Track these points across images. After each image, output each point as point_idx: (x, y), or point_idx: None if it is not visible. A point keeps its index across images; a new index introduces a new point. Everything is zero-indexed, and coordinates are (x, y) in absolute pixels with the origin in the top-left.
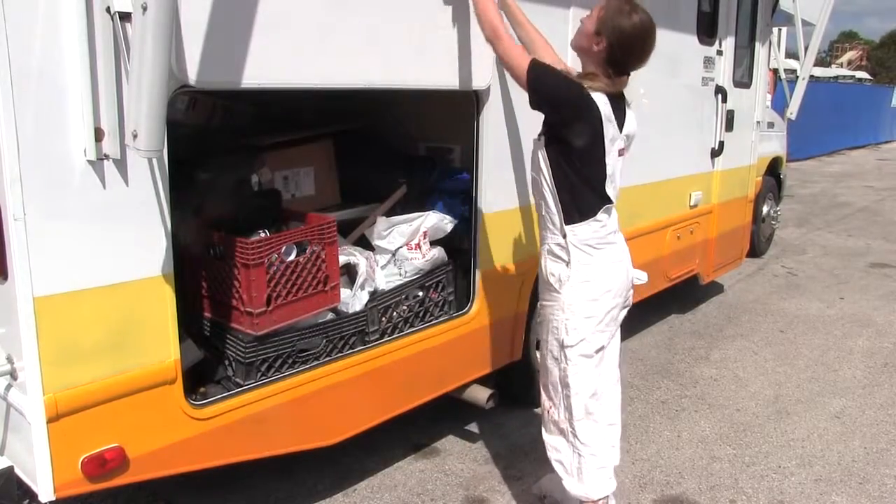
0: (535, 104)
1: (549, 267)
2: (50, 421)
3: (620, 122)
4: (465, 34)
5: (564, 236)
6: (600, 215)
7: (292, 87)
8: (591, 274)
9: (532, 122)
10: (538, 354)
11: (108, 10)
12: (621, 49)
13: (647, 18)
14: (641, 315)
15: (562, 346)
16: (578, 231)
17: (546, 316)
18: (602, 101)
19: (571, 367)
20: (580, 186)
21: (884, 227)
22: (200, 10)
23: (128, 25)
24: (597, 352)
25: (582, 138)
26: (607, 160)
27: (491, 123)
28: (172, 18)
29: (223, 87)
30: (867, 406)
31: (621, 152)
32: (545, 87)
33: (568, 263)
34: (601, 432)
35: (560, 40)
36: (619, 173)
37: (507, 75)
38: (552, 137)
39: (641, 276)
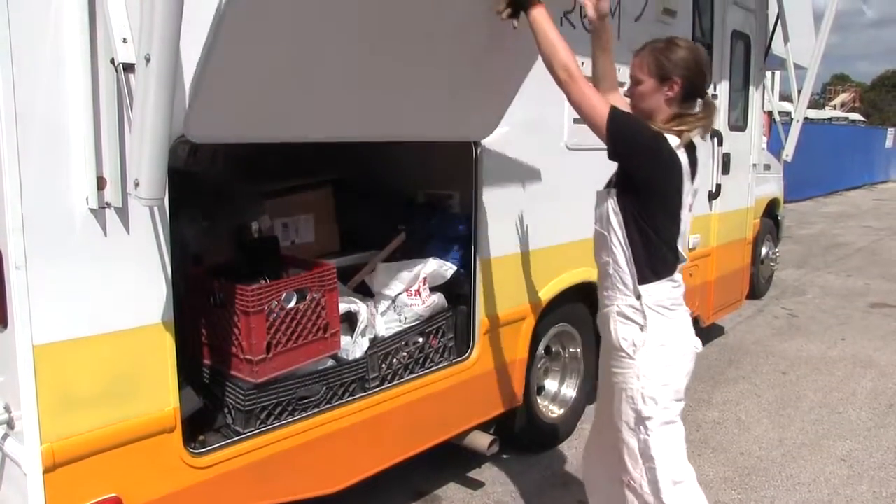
0: (615, 155)
1: (621, 331)
2: (46, 471)
3: (693, 174)
4: (473, 88)
5: (639, 297)
6: (676, 275)
7: (294, 140)
8: (667, 337)
9: (531, 169)
10: (538, 400)
11: (112, 61)
12: (696, 75)
13: (686, 39)
14: None
15: (640, 418)
16: (654, 291)
17: (617, 384)
18: (682, 152)
19: (653, 438)
20: (657, 243)
21: (883, 266)
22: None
23: (131, 76)
24: (677, 417)
25: (664, 192)
26: (682, 215)
27: (490, 170)
28: (175, 70)
29: (223, 141)
30: (874, 449)
31: (690, 207)
32: (629, 137)
33: (643, 327)
34: (694, 498)
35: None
36: (688, 230)
37: (504, 122)
38: (628, 190)
39: (698, 345)
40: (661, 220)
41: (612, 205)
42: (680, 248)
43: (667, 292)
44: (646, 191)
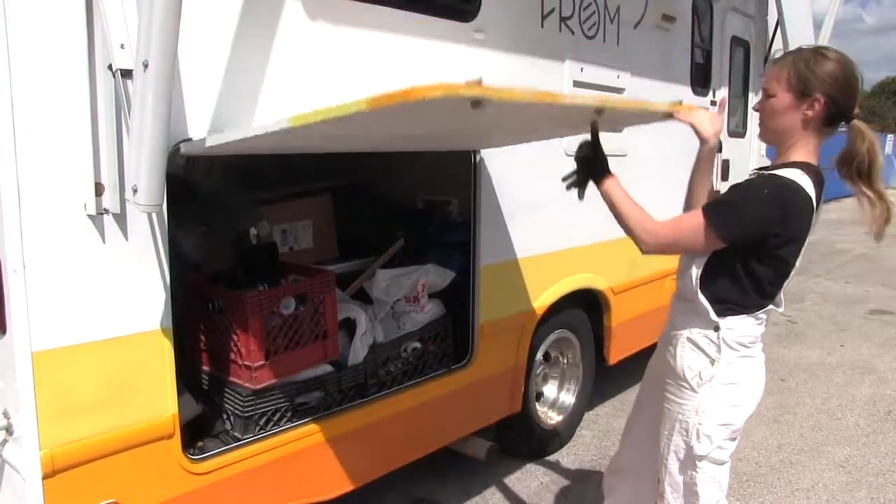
0: (733, 243)
1: (688, 359)
2: (45, 477)
3: (818, 205)
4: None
5: (716, 329)
6: (762, 312)
7: (297, 152)
8: (739, 376)
9: (530, 175)
10: (537, 407)
11: (109, 67)
12: (844, 95)
13: (837, 51)
14: (640, 367)
15: (691, 454)
16: (735, 326)
17: (671, 411)
18: (812, 191)
19: (700, 476)
20: (757, 282)
21: (882, 273)
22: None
23: (129, 82)
24: (728, 457)
25: (786, 241)
26: (797, 260)
27: (489, 177)
28: (173, 76)
29: (221, 153)
30: (872, 455)
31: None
32: (740, 220)
33: (714, 361)
34: None
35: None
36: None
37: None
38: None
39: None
40: (775, 265)
41: None
42: (782, 288)
43: (749, 328)
44: (771, 241)
